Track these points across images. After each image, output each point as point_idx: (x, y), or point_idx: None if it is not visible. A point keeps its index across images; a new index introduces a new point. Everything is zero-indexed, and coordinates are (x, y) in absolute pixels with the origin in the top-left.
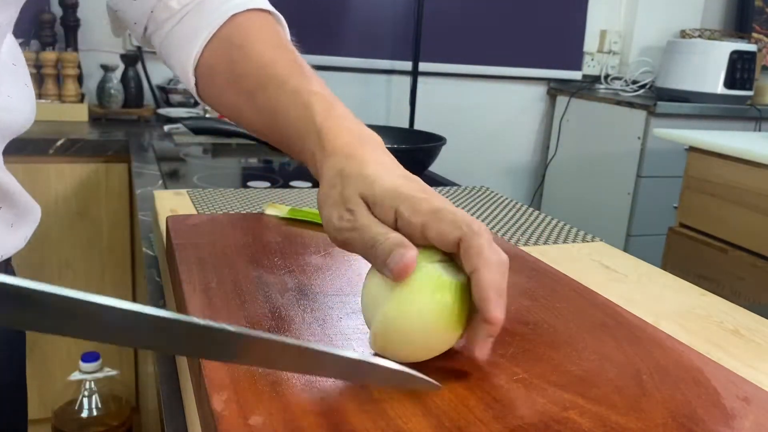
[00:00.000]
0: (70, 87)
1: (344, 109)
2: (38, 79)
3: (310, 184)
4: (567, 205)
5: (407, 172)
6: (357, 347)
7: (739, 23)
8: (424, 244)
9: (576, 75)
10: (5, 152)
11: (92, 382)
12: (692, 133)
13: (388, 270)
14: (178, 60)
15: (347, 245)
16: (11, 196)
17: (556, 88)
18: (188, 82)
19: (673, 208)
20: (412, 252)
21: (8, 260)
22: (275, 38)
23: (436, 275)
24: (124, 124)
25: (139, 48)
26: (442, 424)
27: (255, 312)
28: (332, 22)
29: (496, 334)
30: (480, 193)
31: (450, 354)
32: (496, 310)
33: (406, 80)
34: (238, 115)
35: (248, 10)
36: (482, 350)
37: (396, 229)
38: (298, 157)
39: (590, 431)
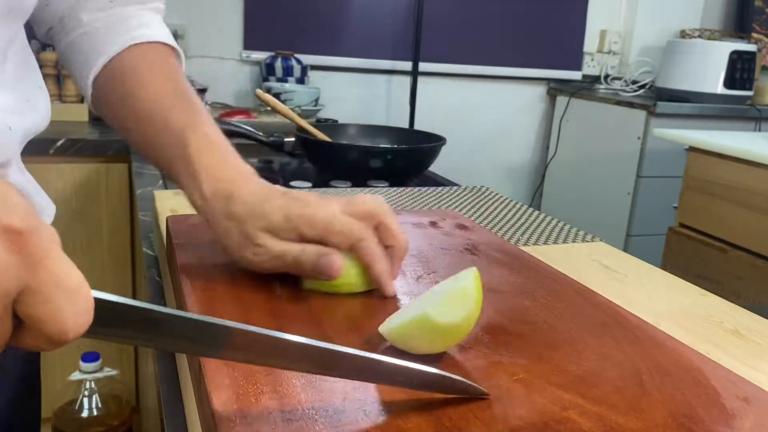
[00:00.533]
0: (71, 87)
1: (221, 141)
2: None
3: (310, 185)
4: (567, 205)
5: (284, 190)
6: (357, 347)
7: (739, 23)
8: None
9: (576, 75)
10: (23, 153)
11: (92, 382)
12: (692, 133)
13: (321, 273)
14: (78, 70)
15: (275, 270)
16: (30, 197)
17: (556, 88)
18: (85, 90)
19: (673, 208)
20: (337, 256)
21: None
22: (168, 71)
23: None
24: None
25: None
26: (442, 424)
27: (255, 312)
28: (332, 22)
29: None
30: (480, 193)
31: (450, 354)
32: (389, 289)
33: (406, 80)
34: (125, 132)
35: (149, 43)
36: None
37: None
38: (184, 192)
39: (590, 431)
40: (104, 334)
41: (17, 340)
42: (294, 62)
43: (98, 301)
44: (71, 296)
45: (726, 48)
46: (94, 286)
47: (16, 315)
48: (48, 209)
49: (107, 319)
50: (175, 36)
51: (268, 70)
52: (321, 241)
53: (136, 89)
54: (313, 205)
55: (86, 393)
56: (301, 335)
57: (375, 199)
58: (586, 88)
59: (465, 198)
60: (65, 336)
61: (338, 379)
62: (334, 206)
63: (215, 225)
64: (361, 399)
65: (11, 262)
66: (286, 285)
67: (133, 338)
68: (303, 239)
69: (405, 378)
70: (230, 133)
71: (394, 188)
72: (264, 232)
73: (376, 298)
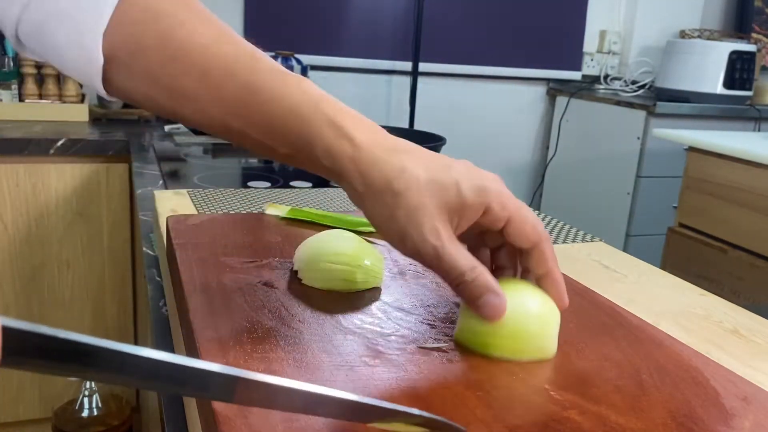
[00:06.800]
0: (71, 87)
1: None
2: (39, 80)
3: (310, 184)
4: (567, 205)
5: (453, 159)
6: (356, 347)
7: (739, 23)
8: (497, 232)
9: (576, 75)
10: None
11: (92, 382)
12: (691, 133)
13: (480, 311)
14: (68, 40)
15: (425, 264)
16: None
17: (555, 89)
18: (89, 66)
19: (672, 208)
20: (504, 300)
21: None
22: (200, 7)
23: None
24: (124, 124)
25: None
26: None
27: (255, 312)
28: (332, 22)
29: None
30: None
31: (450, 354)
32: (566, 300)
33: (406, 80)
34: (182, 104)
35: None
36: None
37: (477, 221)
38: (291, 153)
39: (590, 431)
40: (18, 365)
41: None
42: (294, 62)
43: (6, 331)
44: None
45: (725, 48)
46: (94, 286)
47: None
48: None
49: (18, 349)
50: None
51: None
52: (499, 226)
53: (187, 32)
54: (497, 182)
55: (86, 393)
56: (303, 335)
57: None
58: (586, 88)
59: None
60: None
61: (338, 380)
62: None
63: (375, 184)
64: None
65: None
66: (286, 286)
67: (62, 370)
68: (476, 224)
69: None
70: None
71: None
72: (443, 212)
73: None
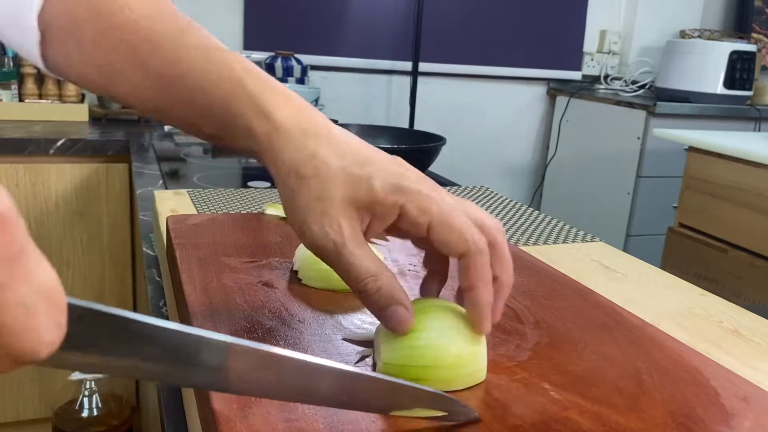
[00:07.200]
0: (71, 87)
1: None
2: (38, 80)
3: None
4: (567, 205)
5: (387, 154)
6: (355, 346)
7: (739, 23)
8: (420, 241)
9: (576, 75)
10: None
11: (92, 382)
12: (692, 133)
13: (385, 322)
14: (5, 14)
15: (324, 260)
16: None
17: (555, 89)
18: (26, 41)
19: (672, 208)
20: (411, 311)
21: None
22: None
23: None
24: (124, 124)
25: None
26: (443, 423)
27: (255, 311)
28: (332, 22)
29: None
30: (480, 193)
31: None
32: (487, 326)
33: (406, 80)
34: (114, 81)
35: None
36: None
37: (394, 223)
38: (216, 131)
39: (590, 431)
40: (75, 350)
41: None
42: (294, 62)
43: (70, 308)
44: (49, 302)
45: (726, 48)
46: (94, 286)
47: None
48: None
49: (79, 333)
50: None
51: (268, 71)
52: (422, 235)
53: (121, 6)
54: (425, 184)
55: (86, 393)
56: (303, 335)
57: (492, 217)
58: (586, 88)
59: (465, 198)
60: (37, 354)
61: None
62: (448, 198)
63: (287, 168)
64: None
65: None
66: (286, 286)
67: (103, 360)
68: (395, 224)
69: (400, 398)
70: None
71: None
72: (350, 207)
73: None
